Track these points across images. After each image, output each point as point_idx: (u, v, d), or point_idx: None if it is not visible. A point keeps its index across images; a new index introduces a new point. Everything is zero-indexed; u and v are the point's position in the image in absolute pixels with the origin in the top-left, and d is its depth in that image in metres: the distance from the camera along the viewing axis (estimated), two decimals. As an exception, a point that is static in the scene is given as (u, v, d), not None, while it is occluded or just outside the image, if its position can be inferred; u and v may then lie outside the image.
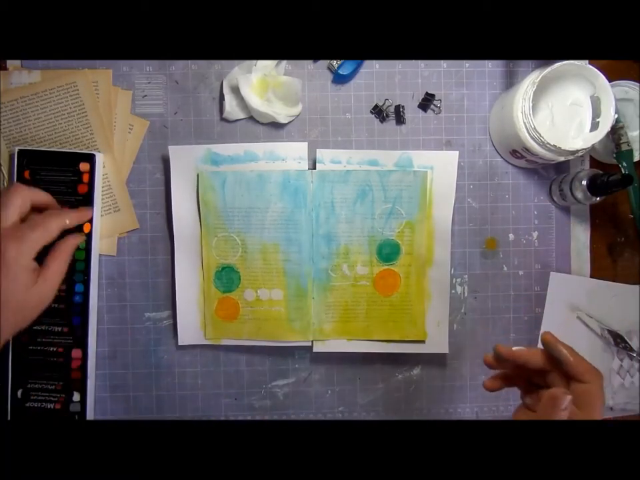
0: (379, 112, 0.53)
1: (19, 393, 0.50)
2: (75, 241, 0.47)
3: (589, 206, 0.55)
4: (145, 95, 0.52)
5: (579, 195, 0.50)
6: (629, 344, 0.53)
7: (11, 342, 0.50)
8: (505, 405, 0.55)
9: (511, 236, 0.54)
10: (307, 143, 0.52)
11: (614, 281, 0.55)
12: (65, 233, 0.46)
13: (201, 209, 0.51)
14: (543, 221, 0.55)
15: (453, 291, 0.54)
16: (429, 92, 0.53)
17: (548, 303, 0.54)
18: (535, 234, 0.55)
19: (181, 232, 0.52)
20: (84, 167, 0.50)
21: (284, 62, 0.52)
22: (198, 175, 0.51)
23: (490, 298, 0.55)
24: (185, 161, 0.51)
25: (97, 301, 0.52)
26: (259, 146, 0.51)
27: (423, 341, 0.53)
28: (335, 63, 0.52)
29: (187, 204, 0.52)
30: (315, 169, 0.52)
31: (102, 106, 0.51)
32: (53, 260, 0.45)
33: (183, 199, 0.52)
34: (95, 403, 0.52)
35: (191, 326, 0.52)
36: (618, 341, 0.53)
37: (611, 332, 0.54)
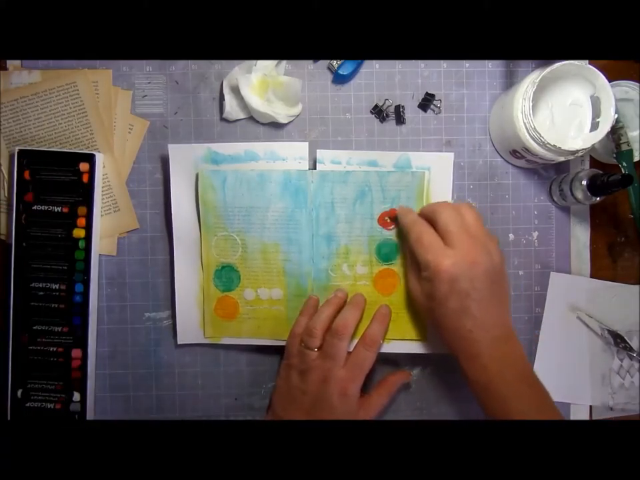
0: (379, 112, 0.53)
1: (19, 393, 0.50)
2: (403, 377, 0.52)
3: (589, 206, 0.55)
4: (145, 95, 0.52)
5: (579, 194, 0.50)
6: (628, 344, 0.53)
7: (10, 342, 0.50)
8: (505, 404, 0.55)
9: (511, 236, 0.54)
10: (307, 143, 0.52)
11: (614, 281, 0.55)
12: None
13: (200, 208, 0.51)
14: (543, 221, 0.55)
15: (453, 291, 0.54)
16: (429, 92, 0.53)
17: (548, 303, 0.54)
18: (535, 234, 0.55)
19: (180, 231, 0.52)
20: (84, 167, 0.50)
21: (284, 62, 0.52)
22: (198, 174, 0.51)
23: (490, 298, 0.54)
24: (185, 160, 0.51)
25: (97, 301, 0.52)
26: (260, 145, 0.51)
27: (422, 341, 0.53)
28: (335, 62, 0.52)
29: (187, 203, 0.52)
30: (315, 169, 0.52)
31: (102, 106, 0.51)
32: (377, 393, 0.49)
33: (182, 198, 0.52)
34: (95, 403, 0.52)
35: (190, 325, 0.52)
36: (618, 340, 0.53)
37: (611, 332, 0.54)
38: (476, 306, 0.43)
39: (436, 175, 0.52)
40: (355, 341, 0.49)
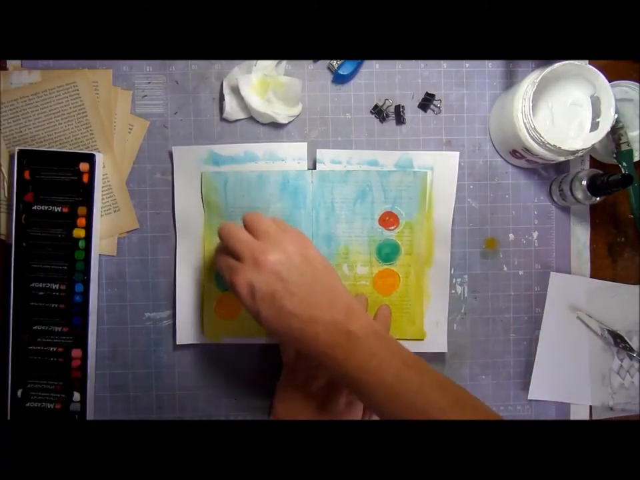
0: (379, 112, 0.53)
1: (19, 392, 0.50)
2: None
3: (589, 206, 0.55)
4: (145, 95, 0.52)
5: (579, 194, 0.50)
6: (628, 344, 0.53)
7: (10, 342, 0.50)
8: (505, 405, 0.55)
9: (511, 236, 0.54)
10: (306, 143, 0.52)
11: (614, 281, 0.55)
12: None
13: (204, 209, 0.51)
14: (543, 220, 0.55)
15: (453, 291, 0.54)
16: (429, 92, 0.53)
17: (548, 303, 0.54)
18: (535, 234, 0.55)
19: (183, 231, 0.52)
20: (84, 167, 0.50)
21: (284, 62, 0.52)
22: (202, 176, 0.51)
23: (490, 298, 0.55)
24: (188, 162, 0.51)
25: (97, 301, 0.52)
26: (259, 146, 0.52)
27: (422, 340, 0.53)
28: (334, 63, 0.52)
29: (190, 203, 0.52)
30: (315, 169, 0.52)
31: (102, 106, 0.51)
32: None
33: (185, 198, 0.52)
34: (95, 403, 0.52)
35: (189, 325, 0.52)
36: (618, 340, 0.53)
37: (611, 332, 0.54)
38: (289, 301, 0.40)
39: (440, 175, 0.52)
40: None
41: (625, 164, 0.52)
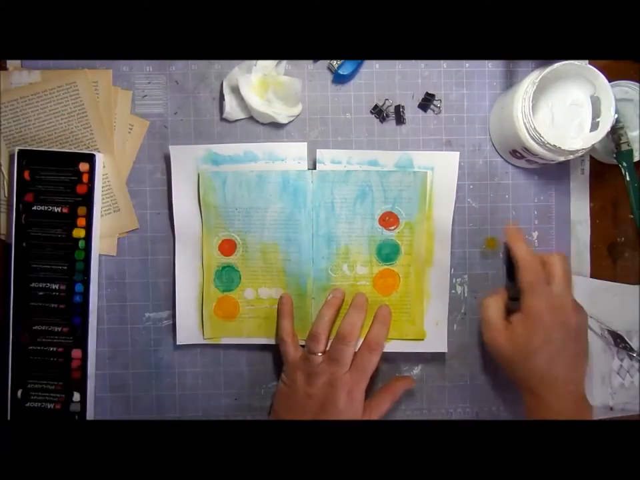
0: (379, 112, 0.53)
1: (19, 393, 0.50)
2: (407, 383, 0.52)
3: (589, 206, 0.55)
4: (145, 95, 0.52)
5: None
6: (629, 344, 0.53)
7: (10, 342, 0.50)
8: (505, 405, 0.55)
9: (511, 236, 0.54)
10: (306, 143, 0.52)
11: (614, 281, 0.55)
12: None
13: (202, 209, 0.51)
14: (543, 220, 0.55)
15: (453, 291, 0.54)
16: (429, 92, 0.53)
17: (548, 303, 0.54)
18: (535, 234, 0.55)
19: (181, 231, 0.52)
20: (84, 167, 0.50)
21: (284, 62, 0.52)
22: (199, 175, 0.51)
23: (490, 298, 0.54)
24: (186, 161, 0.51)
25: (97, 300, 0.52)
26: (259, 146, 0.52)
27: (422, 340, 0.53)
28: (335, 63, 0.52)
29: (188, 204, 0.52)
30: (315, 169, 0.52)
31: (102, 106, 0.51)
32: (381, 398, 0.50)
33: (183, 198, 0.52)
34: (95, 403, 0.52)
35: (189, 325, 0.52)
36: (618, 341, 0.53)
37: (611, 332, 0.54)
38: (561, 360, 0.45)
39: (440, 175, 0.52)
40: (359, 341, 0.49)
41: (625, 164, 0.52)
